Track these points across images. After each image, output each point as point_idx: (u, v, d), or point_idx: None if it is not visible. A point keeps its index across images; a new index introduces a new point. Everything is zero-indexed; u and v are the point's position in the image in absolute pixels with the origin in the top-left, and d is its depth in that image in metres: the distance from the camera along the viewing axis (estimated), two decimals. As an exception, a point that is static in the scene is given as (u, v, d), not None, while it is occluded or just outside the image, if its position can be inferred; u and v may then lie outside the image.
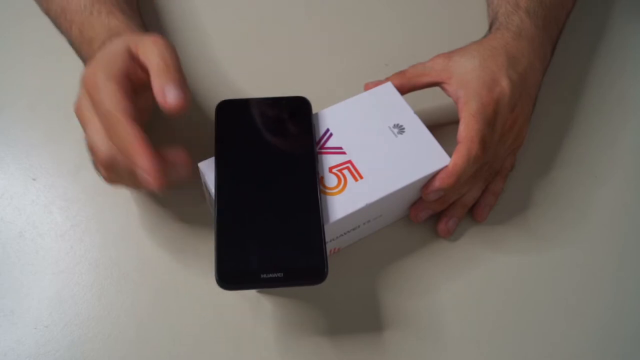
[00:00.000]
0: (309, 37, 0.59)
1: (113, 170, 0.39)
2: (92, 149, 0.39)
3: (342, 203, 0.41)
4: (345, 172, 0.42)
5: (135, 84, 0.39)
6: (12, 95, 0.54)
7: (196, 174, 0.44)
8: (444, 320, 0.44)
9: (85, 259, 0.46)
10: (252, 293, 0.44)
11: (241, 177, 0.41)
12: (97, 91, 0.38)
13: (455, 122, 0.45)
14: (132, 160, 0.36)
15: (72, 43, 0.50)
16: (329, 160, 0.43)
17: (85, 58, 0.47)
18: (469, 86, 0.45)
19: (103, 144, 0.38)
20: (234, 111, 0.44)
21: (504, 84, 0.45)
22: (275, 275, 0.37)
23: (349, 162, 0.43)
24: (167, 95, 0.37)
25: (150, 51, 0.39)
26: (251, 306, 0.44)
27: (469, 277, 0.46)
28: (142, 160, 0.36)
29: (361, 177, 0.42)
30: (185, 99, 0.37)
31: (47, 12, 0.52)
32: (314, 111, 0.45)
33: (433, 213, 0.47)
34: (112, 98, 0.37)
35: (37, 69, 0.55)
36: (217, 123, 0.43)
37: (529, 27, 0.49)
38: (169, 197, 0.48)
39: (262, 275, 0.37)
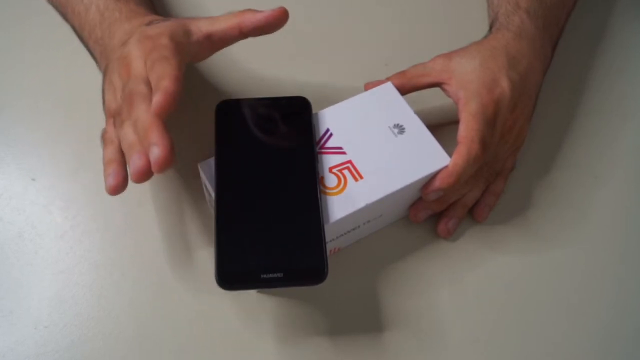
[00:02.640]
0: (309, 37, 0.59)
1: (127, 109, 0.39)
2: (131, 84, 0.39)
3: (342, 203, 0.41)
4: (345, 172, 0.42)
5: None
6: (12, 95, 0.54)
7: (196, 174, 0.44)
8: (444, 320, 0.44)
9: (85, 259, 0.46)
10: (252, 293, 0.44)
11: (241, 177, 0.41)
12: (157, 44, 0.39)
13: (455, 122, 0.45)
14: (155, 94, 0.37)
15: (81, 27, 0.49)
16: (329, 160, 0.43)
17: (98, 37, 0.47)
18: (469, 87, 0.45)
19: (140, 81, 0.39)
20: (234, 111, 0.44)
21: (504, 84, 0.45)
22: (275, 275, 0.37)
23: (349, 162, 0.43)
24: (263, 13, 0.42)
25: (211, 20, 0.43)
26: (251, 306, 0.44)
27: (469, 277, 0.46)
28: (167, 92, 0.36)
29: (361, 177, 0.42)
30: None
31: None
32: (314, 111, 0.45)
33: (433, 213, 0.47)
34: (169, 49, 0.39)
35: (37, 69, 0.55)
36: (217, 123, 0.43)
37: (529, 27, 0.49)
38: (169, 197, 0.48)
39: (262, 276, 0.37)
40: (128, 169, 0.38)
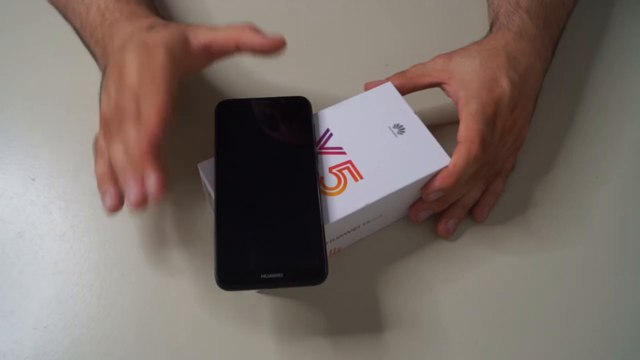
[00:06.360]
0: (309, 36, 0.59)
1: (116, 124, 0.39)
2: (121, 95, 0.40)
3: (342, 203, 0.41)
4: (345, 172, 0.42)
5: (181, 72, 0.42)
6: (12, 95, 0.54)
7: (196, 174, 0.44)
8: (444, 320, 0.44)
9: (85, 259, 0.46)
10: (252, 293, 0.44)
11: (241, 177, 0.41)
12: (153, 59, 0.40)
13: (455, 122, 0.45)
14: (146, 122, 0.37)
15: (82, 28, 0.49)
16: (329, 161, 0.43)
17: (99, 38, 0.47)
18: (469, 87, 0.45)
19: (131, 96, 0.39)
20: (234, 111, 0.44)
21: (504, 84, 0.45)
22: (275, 275, 0.37)
23: (349, 162, 0.43)
24: (262, 37, 0.41)
25: (210, 29, 0.43)
26: (251, 306, 0.44)
27: (469, 277, 0.46)
28: (153, 126, 0.37)
29: (361, 177, 0.42)
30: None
31: None
32: (314, 111, 0.45)
33: (433, 213, 0.47)
34: (163, 71, 0.39)
35: (37, 69, 0.55)
36: (217, 123, 0.43)
37: (529, 27, 0.49)
38: (169, 197, 0.48)
39: (262, 276, 0.37)
40: (125, 194, 0.38)
